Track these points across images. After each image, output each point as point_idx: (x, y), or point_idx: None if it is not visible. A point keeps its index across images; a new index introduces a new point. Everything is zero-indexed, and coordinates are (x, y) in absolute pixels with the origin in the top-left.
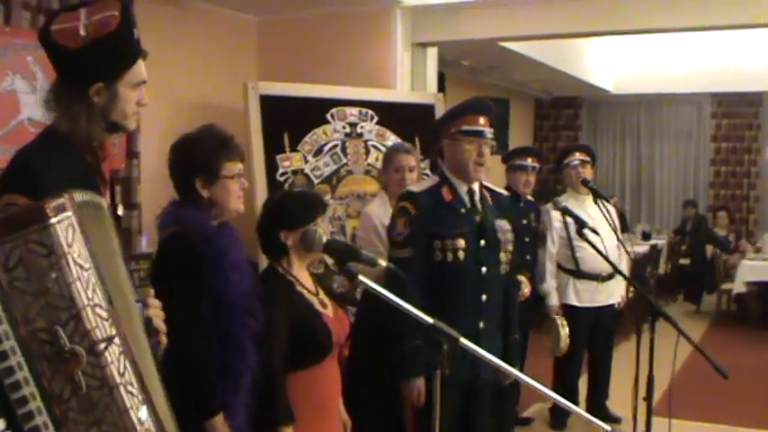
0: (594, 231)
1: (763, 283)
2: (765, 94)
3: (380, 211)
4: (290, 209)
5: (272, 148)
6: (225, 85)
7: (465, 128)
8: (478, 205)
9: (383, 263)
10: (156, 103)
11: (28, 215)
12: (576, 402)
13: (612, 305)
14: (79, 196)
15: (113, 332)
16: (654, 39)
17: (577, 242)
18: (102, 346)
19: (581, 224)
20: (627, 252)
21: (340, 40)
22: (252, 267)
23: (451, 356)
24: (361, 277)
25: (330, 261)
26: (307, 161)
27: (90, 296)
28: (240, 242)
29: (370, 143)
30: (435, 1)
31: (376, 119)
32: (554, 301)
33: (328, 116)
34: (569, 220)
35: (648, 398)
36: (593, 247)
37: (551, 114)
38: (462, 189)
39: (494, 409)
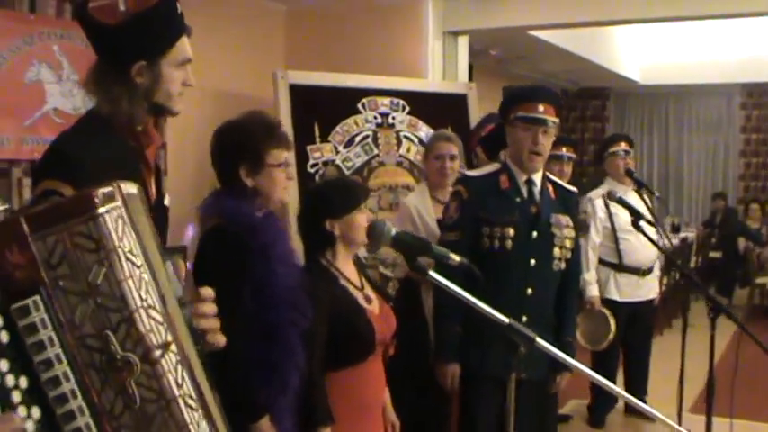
0: (651, 223)
1: None
2: None
3: (418, 201)
4: (333, 196)
5: (303, 139)
6: (253, 74)
7: (521, 114)
8: (537, 197)
9: (456, 258)
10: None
11: (73, 204)
12: (614, 399)
13: (652, 300)
14: (126, 187)
15: (169, 338)
16: (683, 28)
17: (622, 234)
18: (158, 353)
19: (637, 216)
20: (670, 243)
21: (370, 28)
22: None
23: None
24: (432, 273)
25: (363, 254)
26: (338, 152)
27: (143, 296)
28: (286, 233)
29: (401, 134)
30: None
31: (408, 109)
32: (595, 291)
33: (359, 106)
34: (614, 210)
35: (708, 399)
36: (650, 239)
37: (578, 105)
38: (521, 178)
39: (536, 409)
